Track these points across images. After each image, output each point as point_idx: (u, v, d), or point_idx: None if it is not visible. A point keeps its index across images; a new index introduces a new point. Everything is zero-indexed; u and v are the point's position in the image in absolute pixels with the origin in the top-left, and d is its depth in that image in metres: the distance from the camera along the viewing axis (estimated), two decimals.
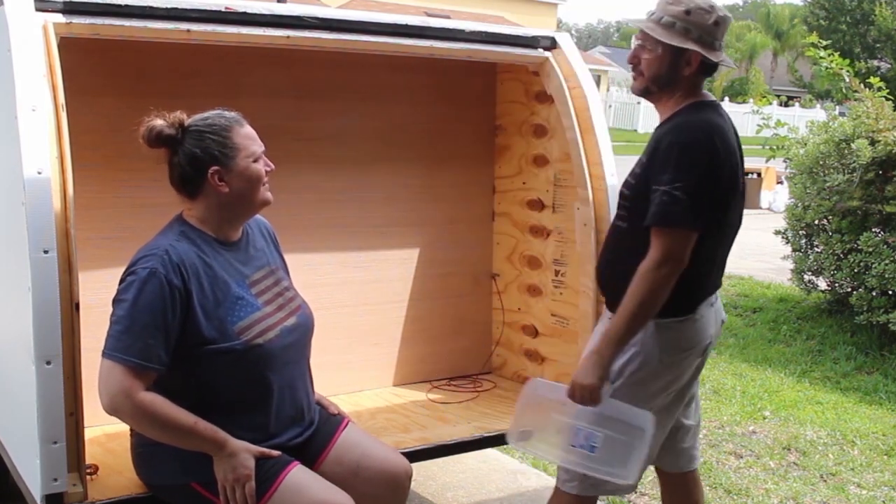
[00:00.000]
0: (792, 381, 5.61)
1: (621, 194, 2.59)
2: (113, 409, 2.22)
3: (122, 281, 2.30)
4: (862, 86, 6.52)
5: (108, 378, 2.20)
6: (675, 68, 2.47)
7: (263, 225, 2.64)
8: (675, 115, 2.50)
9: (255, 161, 2.39)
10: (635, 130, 34.47)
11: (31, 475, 2.32)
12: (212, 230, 2.41)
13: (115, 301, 2.28)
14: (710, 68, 2.52)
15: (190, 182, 2.38)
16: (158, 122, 2.35)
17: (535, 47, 3.29)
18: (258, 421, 2.40)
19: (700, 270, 2.46)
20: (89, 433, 2.52)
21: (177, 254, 2.30)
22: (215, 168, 2.34)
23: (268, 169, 2.43)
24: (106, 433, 2.88)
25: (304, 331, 2.54)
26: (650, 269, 2.36)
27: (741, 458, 4.34)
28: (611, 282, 2.60)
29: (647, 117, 35.84)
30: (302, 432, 2.52)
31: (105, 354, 2.22)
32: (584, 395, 2.46)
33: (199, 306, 2.30)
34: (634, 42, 2.57)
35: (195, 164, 2.35)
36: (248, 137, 2.39)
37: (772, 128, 7.78)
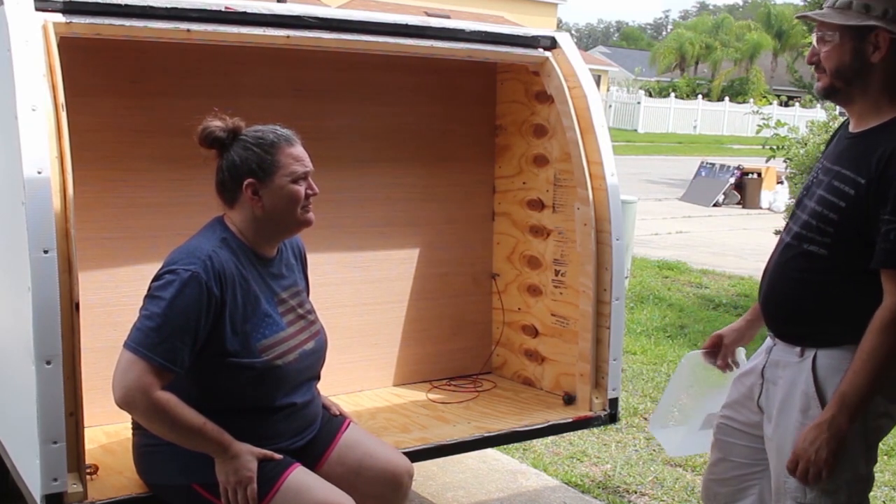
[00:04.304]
0: None
1: (820, 215, 2.15)
2: (125, 403, 2.21)
3: (157, 277, 2.28)
4: None
5: (126, 371, 2.19)
6: (860, 55, 2.08)
7: (297, 244, 2.63)
8: None
9: (295, 182, 2.37)
10: (635, 130, 34.47)
11: (31, 475, 2.32)
12: (249, 242, 2.41)
13: (150, 297, 2.26)
14: None
15: (227, 189, 2.39)
16: (214, 124, 2.36)
17: (536, 47, 3.29)
18: (261, 432, 2.40)
19: None
20: (89, 433, 2.51)
21: (219, 261, 2.29)
22: (250, 181, 2.35)
23: (310, 192, 2.41)
24: (106, 433, 2.88)
25: (319, 355, 2.56)
26: (892, 320, 2.01)
27: None
28: (792, 314, 2.24)
29: (648, 117, 35.88)
30: (305, 436, 2.53)
31: (129, 347, 2.21)
32: (813, 471, 2.10)
33: (228, 318, 2.31)
34: (814, 38, 2.21)
35: (233, 172, 2.36)
36: (292, 157, 2.38)
37: (772, 128, 7.80)
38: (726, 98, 40.87)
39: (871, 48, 2.08)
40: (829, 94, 2.20)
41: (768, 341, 2.37)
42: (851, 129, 2.21)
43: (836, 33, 2.12)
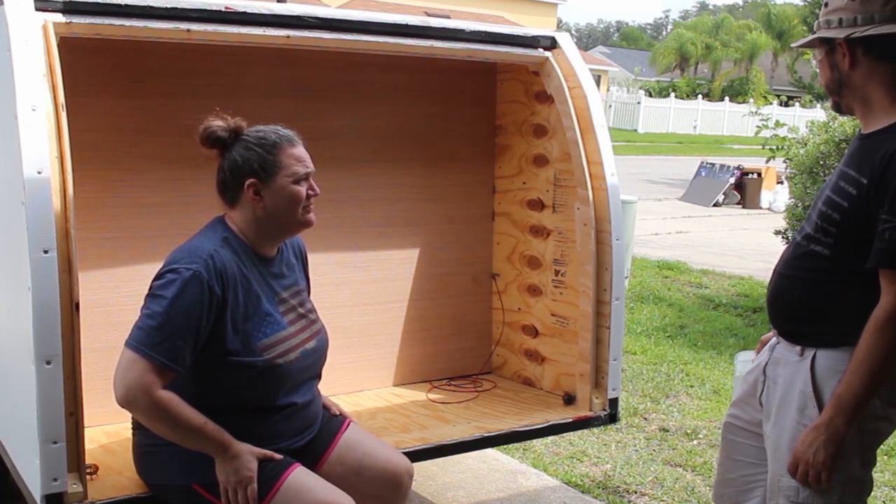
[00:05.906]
0: None
1: (824, 215, 2.16)
2: (127, 402, 2.21)
3: (159, 276, 2.29)
4: None
5: (128, 370, 2.19)
6: (836, 66, 2.17)
7: (297, 243, 2.63)
8: None
9: (296, 182, 2.37)
10: (635, 130, 34.47)
11: (31, 475, 2.32)
12: (250, 241, 2.41)
13: (152, 295, 2.27)
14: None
15: (228, 189, 2.39)
16: (215, 123, 2.36)
17: (536, 47, 3.29)
18: (262, 432, 2.40)
19: None
20: (89, 433, 2.51)
21: (220, 260, 2.30)
22: (252, 181, 2.35)
23: (311, 193, 2.41)
24: (106, 433, 2.88)
25: (321, 354, 2.57)
26: (888, 320, 2.02)
27: None
28: (795, 313, 2.25)
29: (648, 117, 35.88)
30: (305, 436, 2.53)
31: (130, 345, 2.21)
32: (812, 474, 2.11)
33: (230, 317, 2.31)
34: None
35: (234, 172, 2.36)
36: (293, 157, 2.38)
37: (771, 128, 7.80)
38: (726, 98, 40.88)
39: (842, 56, 2.16)
40: (836, 109, 2.29)
41: (773, 339, 2.38)
42: (862, 131, 2.24)
43: (816, 52, 2.24)
